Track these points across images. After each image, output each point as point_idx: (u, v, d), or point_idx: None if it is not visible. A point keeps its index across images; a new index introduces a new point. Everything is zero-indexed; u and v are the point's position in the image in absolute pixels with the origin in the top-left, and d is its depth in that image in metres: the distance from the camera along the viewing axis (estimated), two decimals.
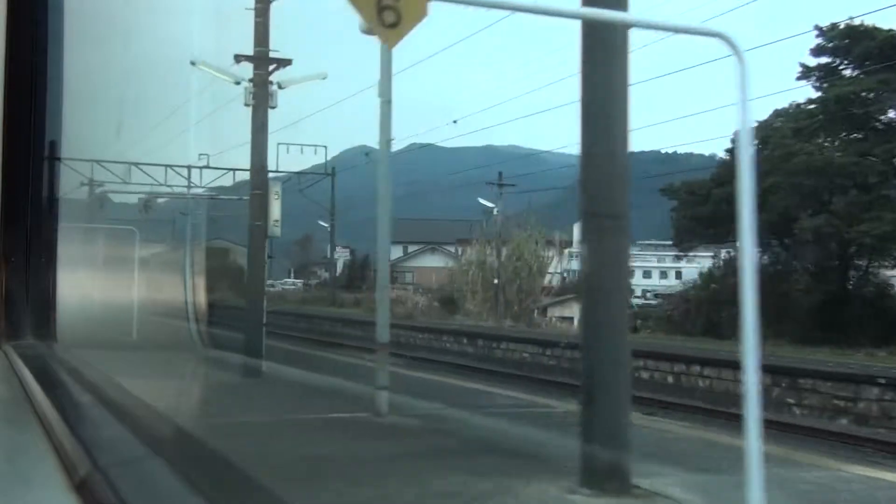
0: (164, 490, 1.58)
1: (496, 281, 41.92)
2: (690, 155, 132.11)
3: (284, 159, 41.65)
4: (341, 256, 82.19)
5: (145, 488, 1.61)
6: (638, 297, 68.21)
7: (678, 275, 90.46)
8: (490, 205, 48.80)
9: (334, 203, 54.89)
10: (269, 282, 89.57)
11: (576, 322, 43.36)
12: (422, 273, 72.69)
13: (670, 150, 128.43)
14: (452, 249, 76.33)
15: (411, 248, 78.86)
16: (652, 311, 46.05)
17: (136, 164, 33.68)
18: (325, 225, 56.14)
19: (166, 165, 39.63)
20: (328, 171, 47.83)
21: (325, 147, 45.38)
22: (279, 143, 40.27)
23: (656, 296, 69.01)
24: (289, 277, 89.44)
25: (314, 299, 57.19)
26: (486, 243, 45.31)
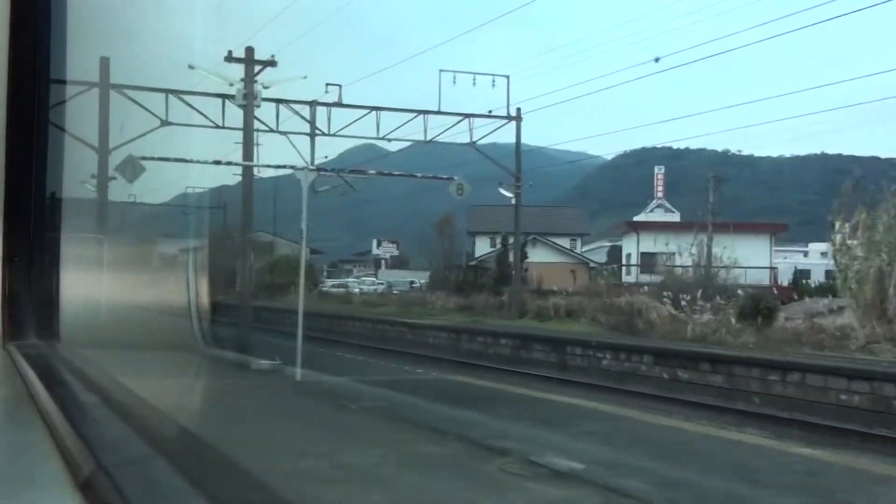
0: (167, 490, 1.58)
1: None
2: (703, 150, 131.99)
3: (449, 95, 31.50)
4: (388, 251, 74.35)
5: (149, 488, 1.61)
6: None
7: None
8: None
9: (519, 160, 36.51)
10: (334, 282, 66.47)
11: None
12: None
13: (682, 146, 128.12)
14: (560, 241, 62.61)
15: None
16: None
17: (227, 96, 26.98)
18: (509, 195, 36.65)
19: (280, 101, 29.60)
20: (511, 115, 34.04)
21: (508, 77, 33.93)
22: (441, 70, 31.66)
23: None
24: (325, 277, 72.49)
25: (481, 308, 38.42)
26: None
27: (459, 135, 32.99)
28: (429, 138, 31.97)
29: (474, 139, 33.43)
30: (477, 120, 33.21)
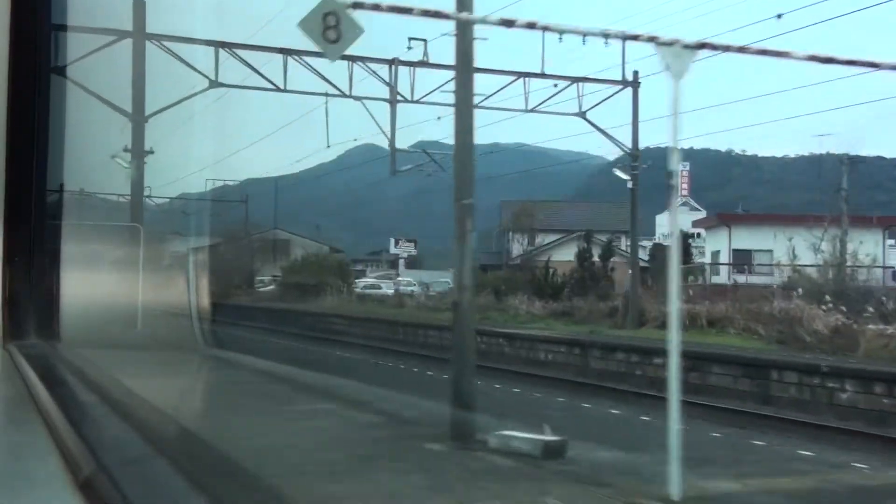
0: (167, 489, 1.58)
1: None
2: (707, 150, 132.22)
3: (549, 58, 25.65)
4: (406, 250, 72.25)
5: (149, 487, 1.61)
6: None
7: None
8: None
9: (637, 135, 30.16)
10: (365, 282, 57.97)
11: None
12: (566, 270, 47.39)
13: (685, 146, 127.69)
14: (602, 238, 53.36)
15: (538, 239, 56.11)
16: None
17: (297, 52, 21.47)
18: (626, 177, 30.72)
19: (353, 58, 23.43)
20: (623, 79, 27.91)
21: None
22: (544, 28, 28.30)
23: None
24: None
25: (585, 315, 31.90)
26: None
27: (563, 103, 27.55)
28: (530, 107, 26.86)
29: (584, 108, 27.80)
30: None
